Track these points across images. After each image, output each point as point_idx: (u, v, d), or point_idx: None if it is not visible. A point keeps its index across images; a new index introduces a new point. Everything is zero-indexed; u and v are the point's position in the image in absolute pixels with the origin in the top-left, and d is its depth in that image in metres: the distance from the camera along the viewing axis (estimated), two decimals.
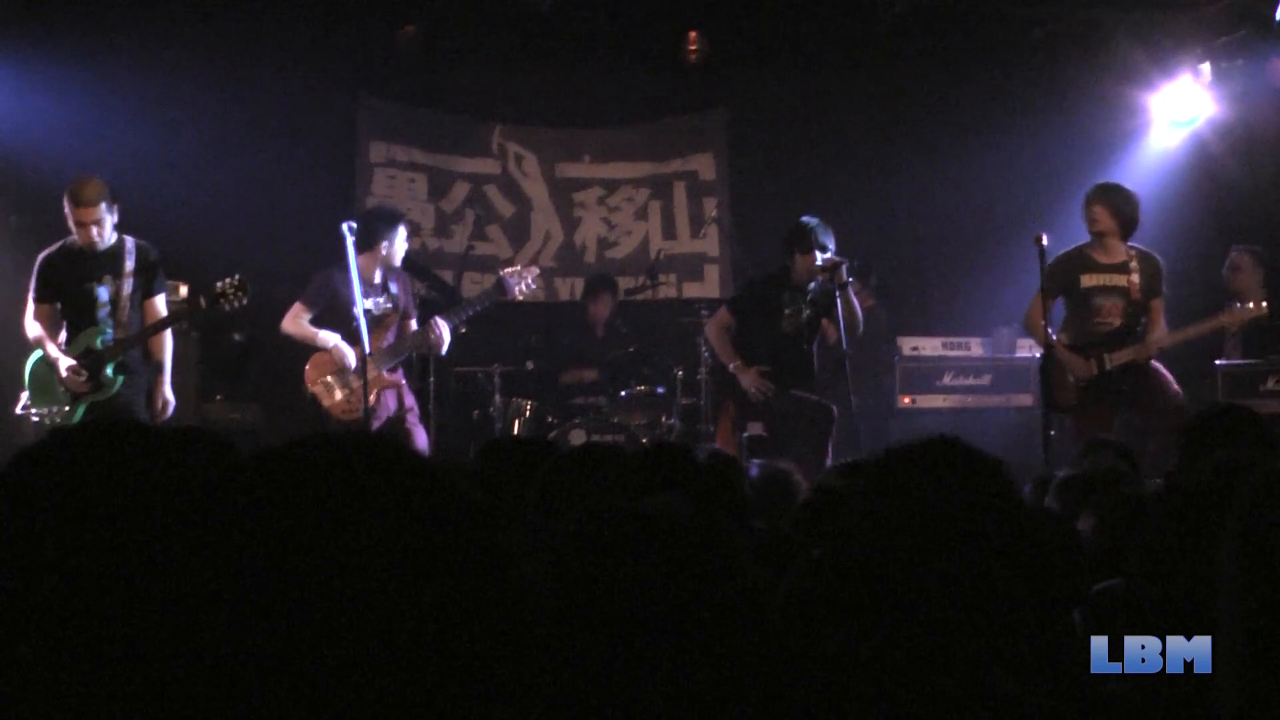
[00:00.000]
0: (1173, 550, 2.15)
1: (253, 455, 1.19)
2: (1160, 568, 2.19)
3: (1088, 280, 7.98)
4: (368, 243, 7.95)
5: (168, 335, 7.60)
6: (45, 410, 7.34)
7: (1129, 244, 8.02)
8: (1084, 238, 8.10)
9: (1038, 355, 8.12)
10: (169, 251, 8.11)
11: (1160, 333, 7.93)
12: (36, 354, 7.43)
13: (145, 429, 1.52)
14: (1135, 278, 7.91)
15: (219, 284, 7.44)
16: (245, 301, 7.46)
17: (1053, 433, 8.29)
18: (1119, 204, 7.93)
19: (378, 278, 8.13)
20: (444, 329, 8.10)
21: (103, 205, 7.30)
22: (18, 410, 7.46)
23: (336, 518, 1.10)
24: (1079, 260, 8.02)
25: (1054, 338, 7.95)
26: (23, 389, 7.46)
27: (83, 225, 7.30)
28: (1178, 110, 10.16)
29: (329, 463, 1.14)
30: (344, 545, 1.09)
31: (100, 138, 9.31)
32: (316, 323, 8.08)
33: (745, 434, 8.44)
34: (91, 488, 1.41)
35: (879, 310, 10.35)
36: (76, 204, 7.29)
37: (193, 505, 1.16)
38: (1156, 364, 7.96)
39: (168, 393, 7.57)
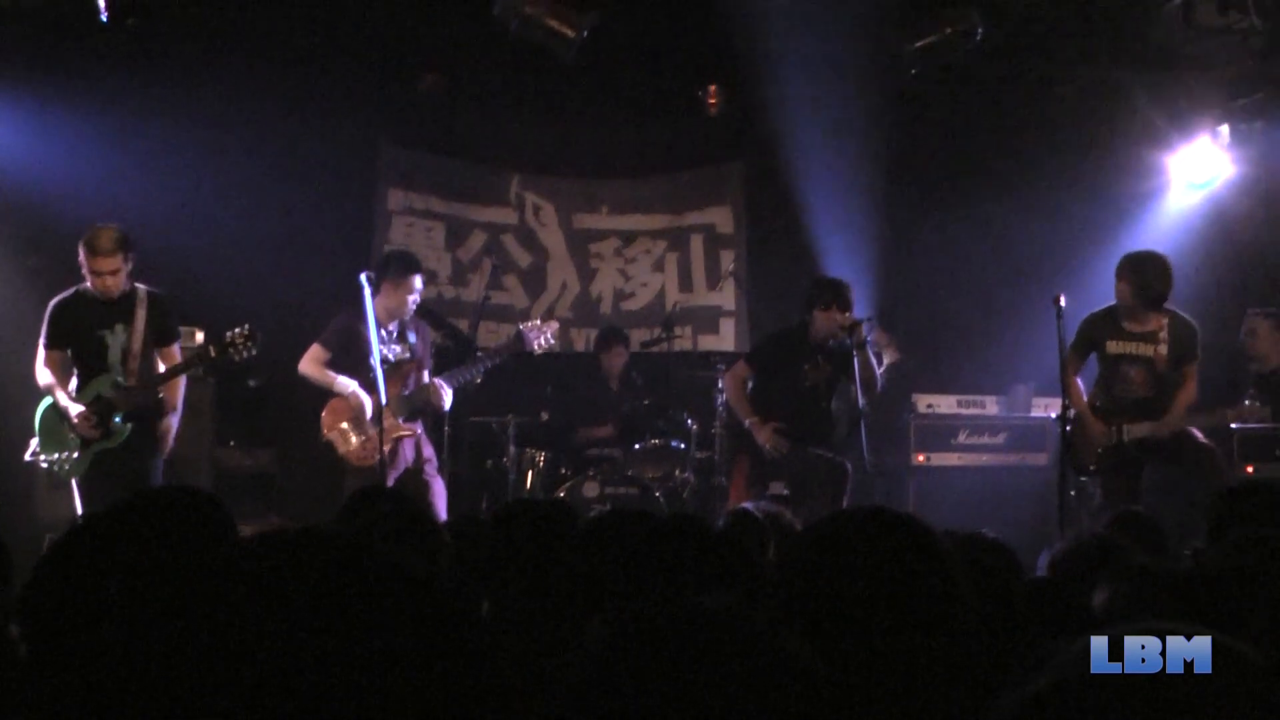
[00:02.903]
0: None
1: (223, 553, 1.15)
2: None
3: (1113, 347, 7.83)
4: (381, 287, 7.90)
5: (180, 382, 7.55)
6: (54, 457, 7.30)
7: (1164, 310, 7.76)
8: (1104, 298, 7.96)
9: (1053, 415, 8.05)
10: (186, 296, 8.12)
11: (1180, 409, 7.74)
12: (47, 401, 7.38)
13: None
14: (1163, 349, 7.71)
15: (228, 334, 7.43)
16: (254, 352, 7.43)
17: (1072, 493, 8.23)
18: (1141, 277, 7.66)
19: (394, 326, 8.08)
20: (446, 391, 8.08)
21: (119, 256, 7.20)
22: (26, 457, 7.43)
23: (309, 629, 1.07)
24: (1109, 324, 7.86)
25: (1084, 398, 7.89)
26: (33, 435, 7.42)
27: (98, 275, 7.21)
28: (1196, 171, 10.12)
29: (300, 578, 1.10)
30: (316, 656, 1.06)
31: (119, 181, 9.31)
32: (334, 367, 8.02)
33: (768, 493, 8.37)
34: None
35: (905, 364, 10.31)
36: (93, 253, 7.18)
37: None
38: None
39: (169, 433, 7.47)
